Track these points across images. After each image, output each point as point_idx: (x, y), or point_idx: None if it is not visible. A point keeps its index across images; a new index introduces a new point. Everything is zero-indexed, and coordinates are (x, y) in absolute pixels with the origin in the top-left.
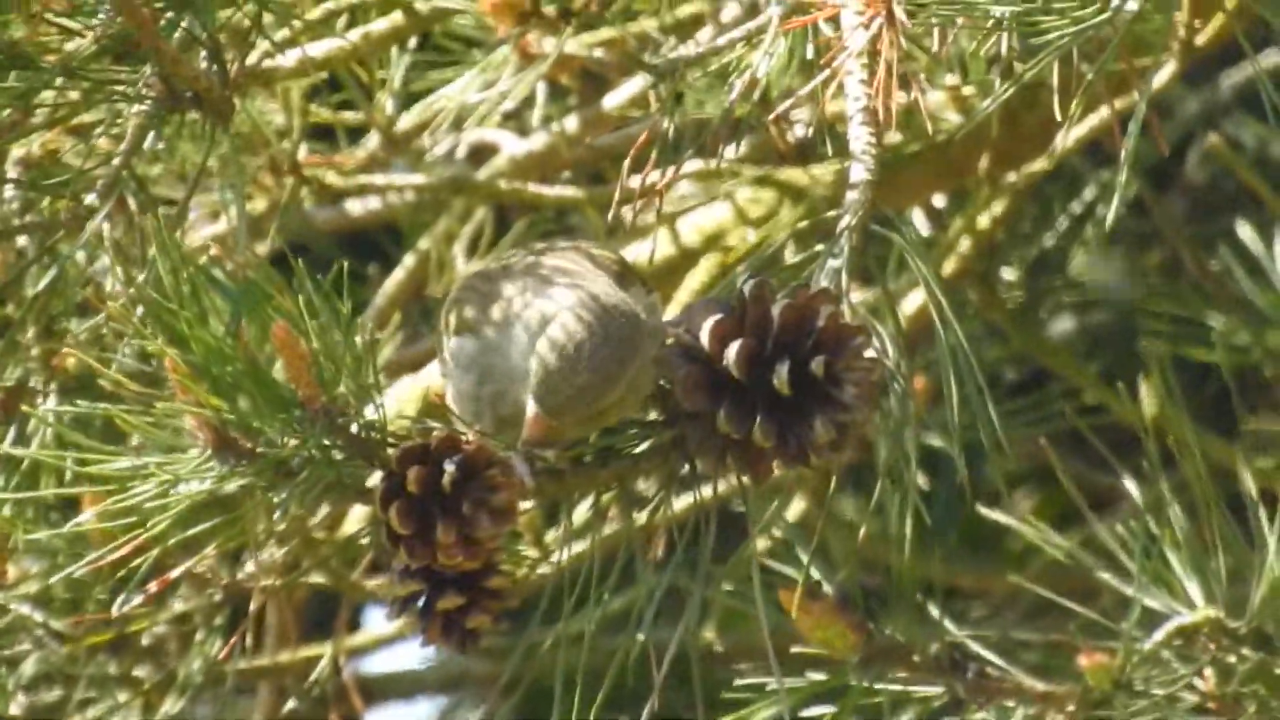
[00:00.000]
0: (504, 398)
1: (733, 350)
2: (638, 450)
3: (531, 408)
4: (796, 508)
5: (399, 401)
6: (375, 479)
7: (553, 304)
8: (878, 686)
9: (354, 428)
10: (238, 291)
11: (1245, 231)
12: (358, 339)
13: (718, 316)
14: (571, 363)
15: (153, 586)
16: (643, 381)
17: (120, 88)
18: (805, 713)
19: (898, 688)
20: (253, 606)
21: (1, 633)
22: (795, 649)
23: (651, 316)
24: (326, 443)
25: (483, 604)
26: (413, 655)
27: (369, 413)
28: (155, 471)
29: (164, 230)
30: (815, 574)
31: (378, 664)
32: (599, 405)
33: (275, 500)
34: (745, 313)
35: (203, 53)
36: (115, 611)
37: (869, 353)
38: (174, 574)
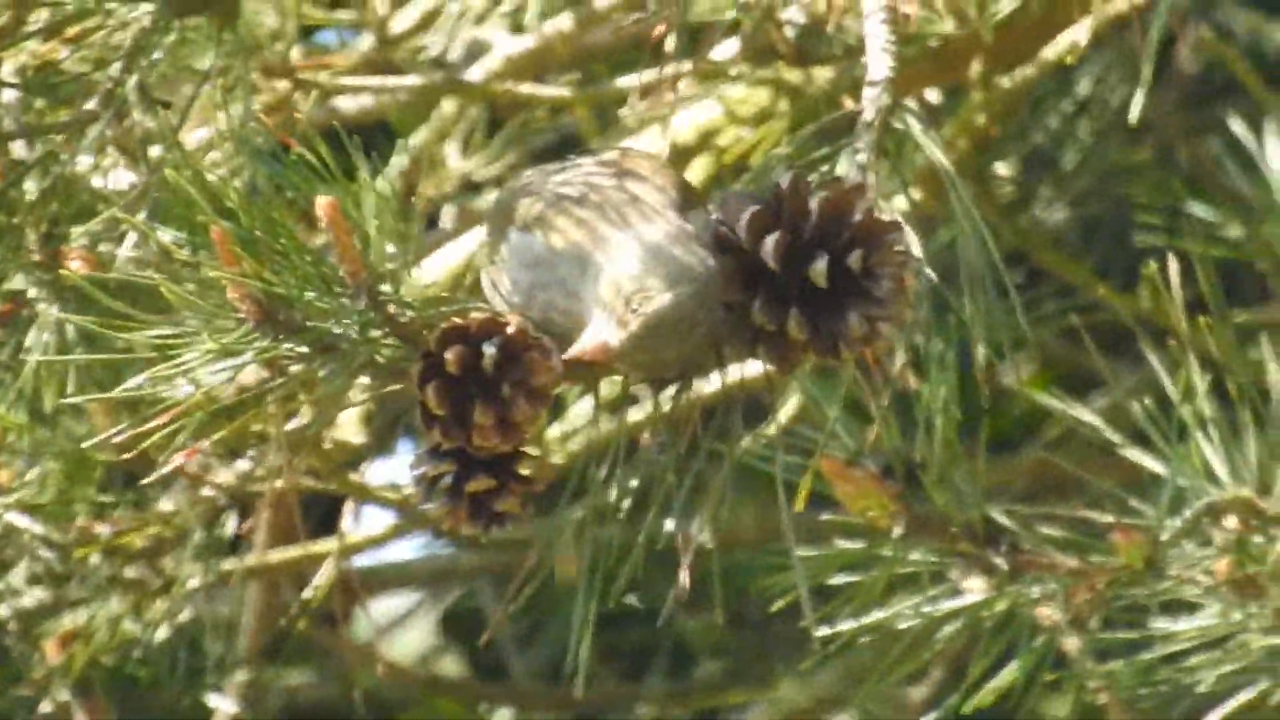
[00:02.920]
0: (556, 307)
1: (770, 242)
2: None
3: (601, 332)
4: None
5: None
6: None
7: (651, 248)
8: (912, 557)
9: (393, 307)
10: (285, 165)
11: (1236, 123)
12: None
13: (755, 208)
14: (651, 337)
15: (181, 457)
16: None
17: None
18: (836, 580)
19: (933, 558)
20: (268, 492)
21: None
22: (826, 516)
23: (707, 234)
24: (368, 320)
25: (511, 487)
26: (401, 553)
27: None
28: (201, 339)
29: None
30: (852, 445)
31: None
32: (663, 367)
33: (319, 375)
34: (782, 205)
35: None
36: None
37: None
38: (203, 443)
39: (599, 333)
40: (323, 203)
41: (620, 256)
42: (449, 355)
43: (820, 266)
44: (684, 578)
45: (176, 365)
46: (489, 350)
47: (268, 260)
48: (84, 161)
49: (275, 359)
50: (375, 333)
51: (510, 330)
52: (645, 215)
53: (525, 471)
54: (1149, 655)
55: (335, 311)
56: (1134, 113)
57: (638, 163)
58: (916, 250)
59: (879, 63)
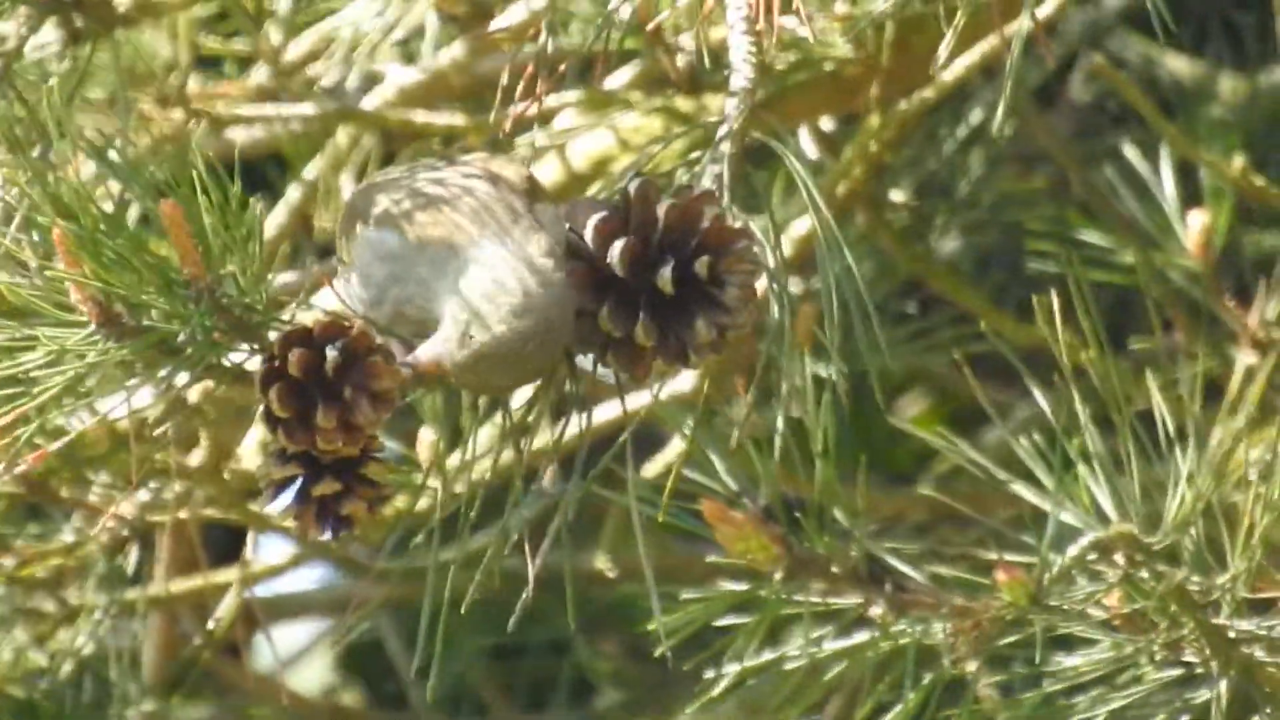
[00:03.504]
0: (411, 303)
1: (617, 248)
2: None
3: (440, 347)
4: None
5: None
6: (256, 361)
7: (499, 271)
8: (795, 598)
9: (236, 309)
10: (128, 167)
11: (1130, 151)
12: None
13: (602, 214)
14: (480, 367)
15: (28, 461)
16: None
17: None
18: (721, 622)
19: (815, 600)
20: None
21: None
22: (712, 559)
23: (556, 227)
24: (209, 323)
25: (358, 491)
26: (302, 581)
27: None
28: (43, 341)
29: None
30: (734, 486)
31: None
32: (505, 383)
33: (157, 376)
34: (630, 212)
35: None
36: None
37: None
38: (52, 448)
39: (437, 345)
40: (164, 204)
41: (476, 270)
42: (291, 358)
43: (666, 273)
44: (530, 586)
45: (15, 366)
46: (331, 353)
47: (107, 261)
48: None
49: (119, 362)
50: (219, 335)
51: (353, 333)
52: (506, 222)
53: (372, 475)
54: (1046, 688)
55: (176, 314)
56: (995, 127)
57: (498, 165)
58: (770, 261)
59: (739, 73)
